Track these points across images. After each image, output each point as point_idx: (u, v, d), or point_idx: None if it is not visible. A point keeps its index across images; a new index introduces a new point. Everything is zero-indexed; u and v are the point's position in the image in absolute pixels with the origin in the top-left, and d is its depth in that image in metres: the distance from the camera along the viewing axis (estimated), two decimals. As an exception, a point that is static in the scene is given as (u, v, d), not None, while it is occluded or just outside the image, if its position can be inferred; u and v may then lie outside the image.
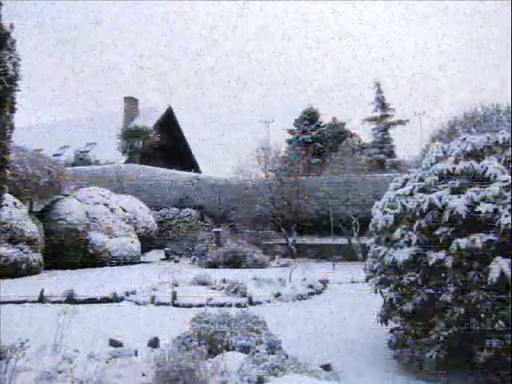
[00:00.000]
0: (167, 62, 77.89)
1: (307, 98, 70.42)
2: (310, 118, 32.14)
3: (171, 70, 77.68)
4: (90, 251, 13.33)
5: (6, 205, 10.71)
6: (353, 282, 10.55)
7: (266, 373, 3.65)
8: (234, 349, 4.25)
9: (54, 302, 7.48)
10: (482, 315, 4.14)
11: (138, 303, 7.70)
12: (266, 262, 13.89)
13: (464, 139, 4.86)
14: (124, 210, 15.23)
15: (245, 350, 4.22)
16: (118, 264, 13.55)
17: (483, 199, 3.92)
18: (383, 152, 30.70)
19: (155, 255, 16.81)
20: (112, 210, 14.68)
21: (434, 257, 3.99)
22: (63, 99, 63.96)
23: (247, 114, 67.94)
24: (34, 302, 7.56)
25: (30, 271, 11.04)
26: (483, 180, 4.19)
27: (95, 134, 31.56)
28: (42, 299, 7.60)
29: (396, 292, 4.52)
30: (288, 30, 77.22)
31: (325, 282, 9.78)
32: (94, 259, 13.29)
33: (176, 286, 8.48)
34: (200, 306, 7.21)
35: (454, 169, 4.43)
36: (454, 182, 4.26)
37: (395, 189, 4.98)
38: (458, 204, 3.94)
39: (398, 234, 4.37)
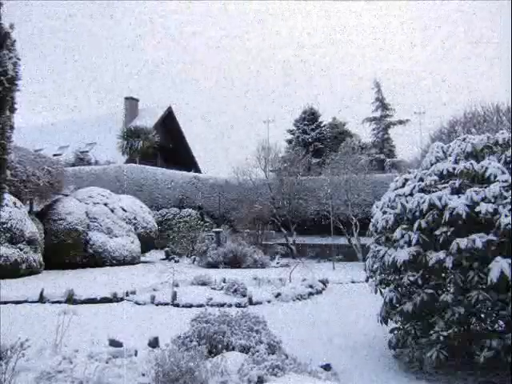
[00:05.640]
0: (167, 61, 77.86)
1: (307, 98, 70.40)
2: (310, 117, 32.14)
3: (171, 69, 77.66)
4: (90, 251, 13.33)
5: (6, 205, 10.70)
6: (353, 282, 10.56)
7: (266, 373, 3.65)
8: (233, 349, 4.25)
9: (53, 302, 7.48)
10: (482, 315, 4.15)
11: (137, 303, 7.70)
12: (266, 261, 13.89)
13: (464, 139, 4.86)
14: (124, 210, 15.22)
15: (245, 350, 4.22)
16: (118, 264, 13.55)
17: (483, 199, 3.92)
18: (383, 152, 30.71)
19: (155, 255, 16.81)
20: (112, 210, 14.67)
21: (433, 257, 3.99)
22: (63, 99, 63.94)
23: (247, 114, 67.94)
24: (33, 301, 7.56)
25: (30, 271, 11.05)
26: (483, 180, 4.20)
27: (95, 134, 31.58)
28: (42, 299, 7.60)
29: (396, 292, 4.52)
30: (288, 29, 77.20)
31: (325, 282, 9.78)
32: (94, 259, 13.29)
33: (176, 286, 8.47)
34: (200, 306, 7.21)
35: (454, 169, 4.44)
36: (454, 182, 4.26)
37: (395, 189, 4.98)
38: (458, 204, 3.94)
39: (398, 234, 4.36)
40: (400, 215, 4.53)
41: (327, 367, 4.20)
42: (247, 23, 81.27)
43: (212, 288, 8.58)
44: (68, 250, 12.94)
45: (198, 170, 29.61)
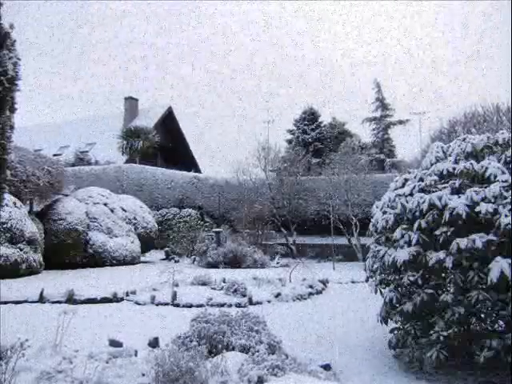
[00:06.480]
0: (167, 62, 77.87)
1: (307, 98, 70.43)
2: (310, 117, 32.13)
3: (171, 70, 77.68)
4: (90, 251, 13.32)
5: (6, 205, 10.70)
6: (353, 282, 10.56)
7: (266, 373, 3.65)
8: (233, 349, 4.25)
9: (53, 302, 7.48)
10: (482, 315, 4.15)
11: (138, 303, 7.70)
12: (265, 261, 13.88)
13: (464, 139, 4.86)
14: (124, 210, 15.22)
15: (245, 350, 4.22)
16: (118, 264, 13.55)
17: (483, 199, 3.93)
18: (383, 152, 30.71)
19: (155, 255, 16.81)
20: (112, 210, 14.67)
21: (433, 257, 3.99)
22: (63, 99, 63.95)
23: (248, 114, 67.96)
24: (33, 301, 7.56)
25: (30, 271, 11.04)
26: (483, 180, 4.20)
27: (95, 134, 31.58)
28: (42, 299, 7.60)
29: (396, 292, 4.52)
30: (288, 29, 77.23)
31: (325, 282, 9.78)
32: (94, 259, 13.28)
33: (176, 285, 8.47)
34: (200, 306, 7.21)
35: (454, 169, 4.44)
36: (454, 182, 4.26)
37: (395, 189, 4.98)
38: (458, 204, 3.94)
39: (398, 234, 4.36)
40: (400, 215, 4.54)
41: (327, 367, 4.20)
42: (248, 24, 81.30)
43: (212, 288, 8.58)
44: (68, 249, 12.94)
45: (198, 170, 29.60)
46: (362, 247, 15.58)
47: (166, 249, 16.80)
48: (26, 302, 7.55)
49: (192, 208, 20.49)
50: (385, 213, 4.74)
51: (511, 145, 4.60)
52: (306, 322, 6.48)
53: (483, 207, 3.84)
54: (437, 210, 4.12)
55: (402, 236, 4.32)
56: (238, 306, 7.32)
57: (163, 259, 16.16)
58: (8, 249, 10.64)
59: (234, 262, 13.32)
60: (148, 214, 16.40)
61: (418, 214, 4.27)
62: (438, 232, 4.06)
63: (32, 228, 11.59)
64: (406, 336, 4.43)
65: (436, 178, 4.52)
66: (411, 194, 4.52)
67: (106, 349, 4.36)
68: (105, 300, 7.77)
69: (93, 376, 3.56)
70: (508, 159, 4.43)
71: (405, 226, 4.37)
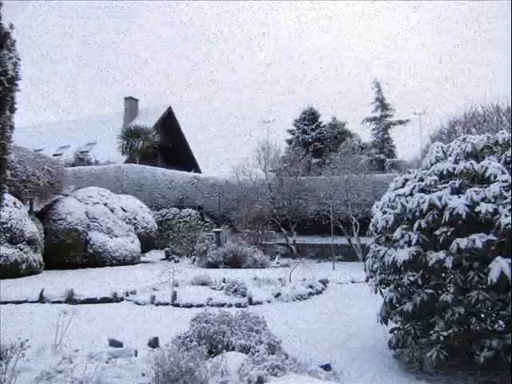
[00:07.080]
0: (167, 62, 77.90)
1: (307, 98, 70.41)
2: (309, 118, 32.12)
3: (172, 69, 77.69)
4: (90, 251, 13.32)
5: (6, 205, 10.70)
6: (353, 282, 10.56)
7: (266, 373, 3.65)
8: (233, 349, 4.25)
9: (53, 302, 7.48)
10: (482, 315, 4.15)
11: (138, 303, 7.70)
12: (265, 262, 13.88)
13: (464, 139, 4.86)
14: (124, 210, 15.21)
15: (245, 350, 4.22)
16: (118, 264, 13.55)
17: (483, 199, 3.93)
18: (383, 152, 30.70)
19: (155, 255, 16.81)
20: (112, 210, 14.67)
21: (433, 257, 3.99)
22: (64, 99, 63.96)
23: (247, 114, 67.97)
24: (33, 301, 7.56)
25: (30, 271, 11.04)
26: (483, 180, 4.20)
27: (95, 134, 31.57)
28: (41, 299, 7.60)
29: (396, 292, 4.52)
30: (288, 29, 77.24)
31: (325, 282, 9.78)
32: (94, 259, 13.28)
33: (176, 285, 8.48)
34: (200, 306, 7.21)
35: (454, 169, 4.44)
36: (454, 182, 4.26)
37: (395, 189, 4.98)
38: (458, 204, 3.94)
39: (398, 234, 4.36)
40: (400, 215, 4.54)
41: (327, 367, 4.20)
42: (248, 24, 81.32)
43: (212, 288, 8.58)
44: (68, 250, 12.93)
45: (198, 170, 29.59)
46: (362, 247, 15.57)
47: (166, 249, 16.80)
48: (26, 302, 7.55)
49: (192, 208, 20.49)
50: (385, 213, 4.74)
51: (511, 145, 4.60)
52: (305, 322, 6.47)
53: (483, 207, 3.85)
54: (437, 210, 4.12)
55: (402, 236, 4.32)
56: (238, 305, 7.32)
57: (163, 259, 16.16)
58: (8, 249, 10.64)
59: (234, 262, 13.32)
60: (148, 213, 16.40)
61: (418, 214, 4.27)
62: (437, 232, 4.06)
63: (32, 228, 11.59)
64: (405, 336, 4.43)
65: (436, 177, 4.52)
66: (411, 194, 4.52)
67: (106, 349, 4.36)
68: (105, 300, 7.77)
69: (93, 376, 3.56)
70: (508, 159, 4.43)
71: (405, 226, 4.37)
